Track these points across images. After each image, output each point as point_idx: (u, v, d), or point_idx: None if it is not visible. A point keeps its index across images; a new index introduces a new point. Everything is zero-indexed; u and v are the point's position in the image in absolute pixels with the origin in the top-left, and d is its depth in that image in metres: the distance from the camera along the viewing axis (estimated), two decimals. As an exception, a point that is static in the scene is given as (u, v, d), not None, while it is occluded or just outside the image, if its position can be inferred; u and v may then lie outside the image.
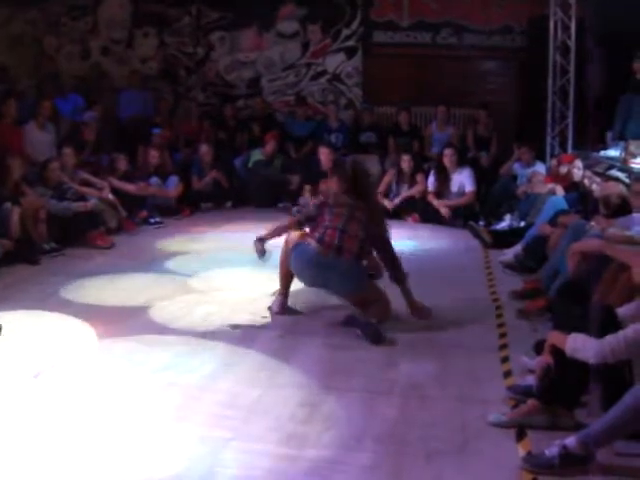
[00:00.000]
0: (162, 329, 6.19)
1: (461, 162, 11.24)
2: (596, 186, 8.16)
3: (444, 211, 10.84)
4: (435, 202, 11.00)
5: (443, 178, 11.11)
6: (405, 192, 11.40)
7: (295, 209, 11.62)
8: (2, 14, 13.70)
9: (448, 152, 11.12)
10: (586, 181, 8.70)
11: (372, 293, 6.38)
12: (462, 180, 11.04)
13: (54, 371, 5.24)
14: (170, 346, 5.77)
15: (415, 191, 11.34)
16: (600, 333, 4.07)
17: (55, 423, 4.42)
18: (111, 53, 14.66)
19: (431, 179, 11.22)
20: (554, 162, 10.58)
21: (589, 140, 11.80)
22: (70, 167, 9.98)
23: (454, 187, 11.07)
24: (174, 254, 8.87)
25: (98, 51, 14.65)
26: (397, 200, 11.37)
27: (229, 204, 12.17)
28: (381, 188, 11.60)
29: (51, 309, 6.61)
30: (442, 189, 11.10)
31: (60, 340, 5.86)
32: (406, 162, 11.50)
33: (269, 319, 6.46)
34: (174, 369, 5.31)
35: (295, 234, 6.56)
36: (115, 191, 10.24)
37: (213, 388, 4.98)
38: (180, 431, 4.34)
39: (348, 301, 6.45)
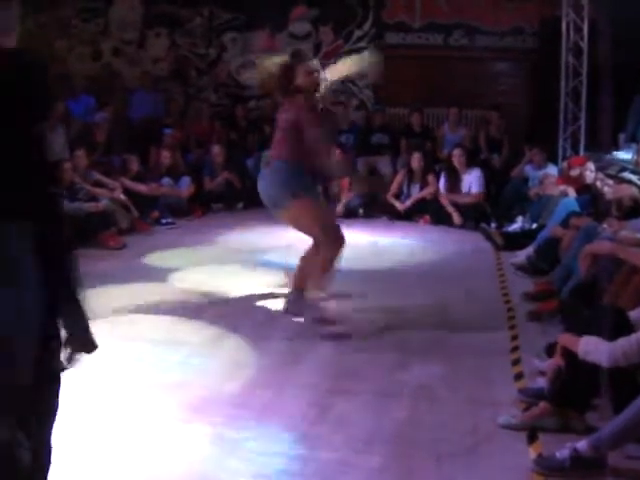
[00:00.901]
0: (173, 331, 6.19)
1: (472, 163, 11.25)
2: (608, 188, 8.13)
3: (455, 217, 10.83)
4: (446, 203, 11.00)
5: (454, 179, 11.11)
6: (416, 193, 11.40)
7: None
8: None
9: (457, 152, 11.15)
10: (598, 183, 8.67)
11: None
12: (471, 181, 11.04)
13: (67, 372, 5.24)
14: (181, 348, 5.77)
15: (426, 192, 11.33)
16: (612, 336, 4.05)
17: (66, 423, 4.42)
18: (122, 54, 14.69)
19: (442, 180, 11.21)
20: (566, 164, 10.56)
21: (601, 142, 11.77)
22: (82, 168, 10.00)
23: (465, 188, 11.09)
24: (185, 255, 8.88)
25: (109, 52, 14.68)
26: (408, 202, 11.37)
27: (240, 205, 12.13)
28: (392, 188, 11.62)
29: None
30: (453, 190, 11.10)
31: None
32: (416, 160, 11.50)
33: (280, 320, 6.44)
34: (185, 371, 5.31)
35: None
36: (127, 191, 10.27)
37: (224, 389, 4.98)
38: (191, 432, 4.34)
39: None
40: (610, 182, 8.43)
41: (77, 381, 5.06)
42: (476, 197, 10.98)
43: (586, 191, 8.82)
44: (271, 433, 4.34)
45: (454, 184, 11.11)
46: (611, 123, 11.87)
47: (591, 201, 8.30)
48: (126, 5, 14.57)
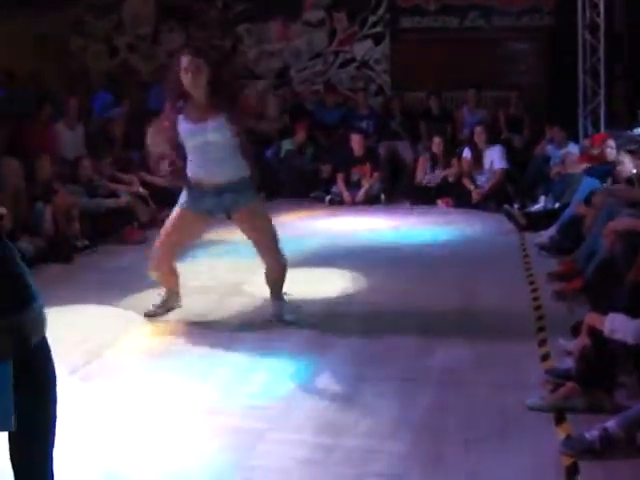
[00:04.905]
0: (194, 323, 6.17)
1: (493, 142, 11.21)
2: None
3: (475, 194, 10.80)
4: (469, 186, 10.97)
5: (476, 156, 11.08)
6: (440, 172, 11.41)
7: (327, 198, 11.61)
8: (26, 17, 13.72)
9: (478, 129, 11.16)
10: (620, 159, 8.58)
11: None
12: (493, 157, 11.01)
13: (90, 367, 5.25)
14: (203, 339, 5.76)
15: (450, 172, 11.30)
16: (636, 313, 4.01)
17: (89, 416, 4.43)
18: (138, 49, 14.68)
19: (467, 153, 11.17)
20: (587, 142, 10.47)
21: (621, 118, 11.67)
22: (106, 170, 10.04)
23: (486, 164, 11.06)
24: (206, 246, 8.82)
25: (125, 48, 14.68)
26: (433, 184, 11.41)
27: (262, 195, 12.02)
28: (418, 174, 11.61)
29: (86, 306, 6.64)
30: (475, 166, 11.08)
31: (94, 337, 5.87)
32: (437, 145, 11.52)
33: (303, 309, 6.38)
34: (207, 362, 5.30)
35: None
36: (146, 185, 10.23)
37: (247, 380, 4.97)
38: (215, 423, 4.33)
39: None
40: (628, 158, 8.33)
41: (101, 376, 5.10)
42: (499, 174, 10.92)
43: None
44: (296, 422, 4.33)
45: (476, 160, 11.09)
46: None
47: (610, 171, 8.21)
48: (139, 0, 14.56)
